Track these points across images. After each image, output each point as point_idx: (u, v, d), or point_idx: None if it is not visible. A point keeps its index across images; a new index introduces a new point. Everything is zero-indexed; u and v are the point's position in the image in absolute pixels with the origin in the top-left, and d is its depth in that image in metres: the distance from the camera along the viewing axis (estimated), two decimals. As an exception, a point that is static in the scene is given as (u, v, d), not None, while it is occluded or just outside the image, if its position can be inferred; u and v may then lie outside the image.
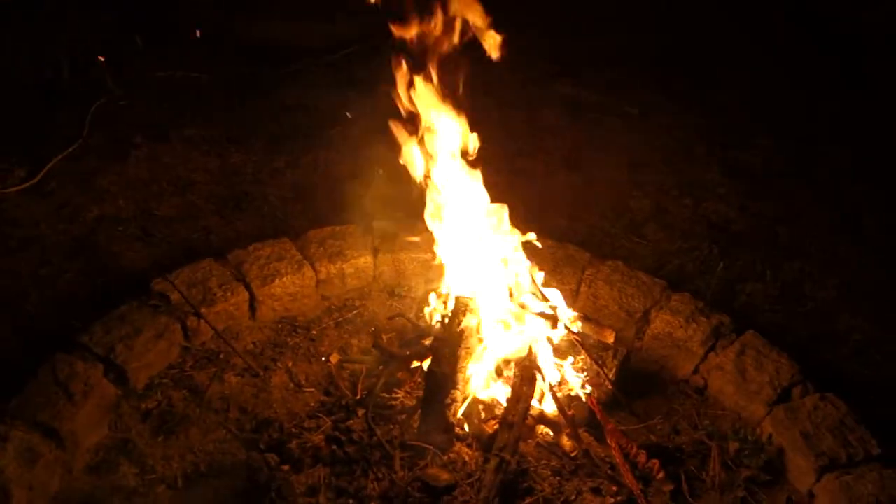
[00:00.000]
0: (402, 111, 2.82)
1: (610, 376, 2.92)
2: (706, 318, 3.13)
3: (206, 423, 2.80)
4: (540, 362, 2.79)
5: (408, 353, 2.88)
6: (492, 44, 2.68)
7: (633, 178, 4.40)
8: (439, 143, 2.83)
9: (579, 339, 2.96)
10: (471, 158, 2.85)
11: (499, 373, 2.83)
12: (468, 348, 2.74)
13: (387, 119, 2.87)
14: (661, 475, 2.67)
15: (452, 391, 2.72)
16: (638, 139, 4.73)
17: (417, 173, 2.88)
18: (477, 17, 2.61)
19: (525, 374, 2.71)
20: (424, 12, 2.63)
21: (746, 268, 3.73)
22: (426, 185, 2.90)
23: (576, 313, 3.05)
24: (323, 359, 3.10)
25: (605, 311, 3.25)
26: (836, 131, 4.86)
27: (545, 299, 2.88)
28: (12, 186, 3.87)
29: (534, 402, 2.77)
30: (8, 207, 3.77)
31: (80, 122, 4.36)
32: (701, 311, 3.17)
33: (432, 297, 3.04)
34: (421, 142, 2.84)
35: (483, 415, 2.78)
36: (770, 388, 2.89)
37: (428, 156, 2.85)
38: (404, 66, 2.73)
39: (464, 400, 2.76)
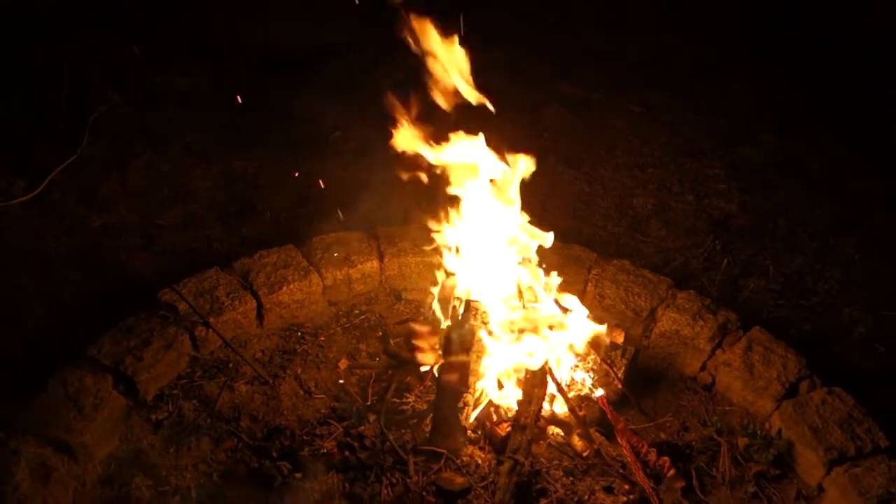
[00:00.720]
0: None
1: (619, 375, 2.94)
2: (713, 315, 3.15)
3: (218, 432, 2.81)
4: (551, 363, 2.79)
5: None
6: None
7: (636, 175, 4.42)
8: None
9: (589, 341, 2.96)
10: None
11: (509, 376, 2.84)
12: (479, 351, 2.75)
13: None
14: (671, 472, 2.68)
15: (464, 394, 2.73)
16: (640, 137, 4.74)
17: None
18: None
19: (536, 375, 2.72)
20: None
21: (749, 263, 3.75)
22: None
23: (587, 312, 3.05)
24: (332, 365, 3.10)
25: (613, 310, 3.26)
26: (835, 127, 4.88)
27: (558, 304, 2.89)
28: (14, 199, 3.86)
29: (545, 403, 2.78)
30: (10, 220, 3.76)
31: (80, 131, 4.35)
32: (707, 308, 3.18)
33: (438, 300, 3.04)
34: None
35: (495, 417, 2.79)
36: (778, 384, 2.90)
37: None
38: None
39: (476, 403, 2.77)
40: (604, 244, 3.80)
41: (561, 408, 2.84)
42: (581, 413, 2.80)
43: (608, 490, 2.63)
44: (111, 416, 2.71)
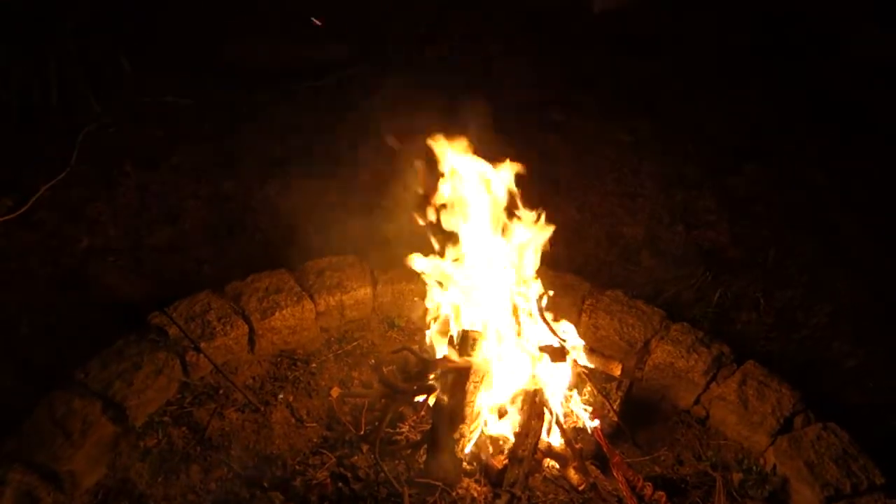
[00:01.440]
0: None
1: (615, 407, 2.93)
2: (707, 348, 3.15)
3: (208, 461, 2.75)
4: (547, 395, 2.78)
5: (414, 387, 2.86)
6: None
7: (625, 204, 4.44)
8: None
9: (586, 372, 2.96)
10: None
11: (506, 407, 2.81)
12: (476, 382, 2.72)
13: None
14: (667, 507, 2.67)
15: (460, 426, 2.70)
16: (629, 166, 4.78)
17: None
18: None
19: (534, 407, 2.70)
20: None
21: (740, 295, 3.77)
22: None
23: (583, 343, 3.04)
24: (324, 393, 3.06)
25: (606, 342, 3.26)
26: (823, 159, 4.95)
27: (554, 332, 2.88)
28: (-1, 216, 3.79)
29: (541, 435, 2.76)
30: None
31: (68, 149, 4.29)
32: (701, 341, 3.19)
33: (436, 329, 3.02)
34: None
35: (491, 449, 2.76)
36: (773, 418, 2.91)
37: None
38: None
39: (471, 434, 2.73)
40: (595, 273, 3.81)
41: (557, 440, 2.82)
42: (577, 446, 2.78)
43: (604, 525, 2.61)
44: (99, 443, 2.64)
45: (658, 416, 3.13)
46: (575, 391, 2.98)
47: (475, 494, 2.62)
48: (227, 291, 3.26)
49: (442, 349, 2.93)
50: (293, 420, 2.96)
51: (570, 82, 5.60)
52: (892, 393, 3.30)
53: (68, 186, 4.08)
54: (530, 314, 2.88)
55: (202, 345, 2.99)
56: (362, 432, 2.86)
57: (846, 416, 2.97)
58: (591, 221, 4.27)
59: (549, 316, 2.93)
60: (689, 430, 3.09)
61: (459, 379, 2.68)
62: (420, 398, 2.92)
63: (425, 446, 2.75)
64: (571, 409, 2.92)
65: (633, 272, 3.89)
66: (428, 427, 2.82)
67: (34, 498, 2.37)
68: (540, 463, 2.78)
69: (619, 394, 2.98)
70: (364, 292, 3.41)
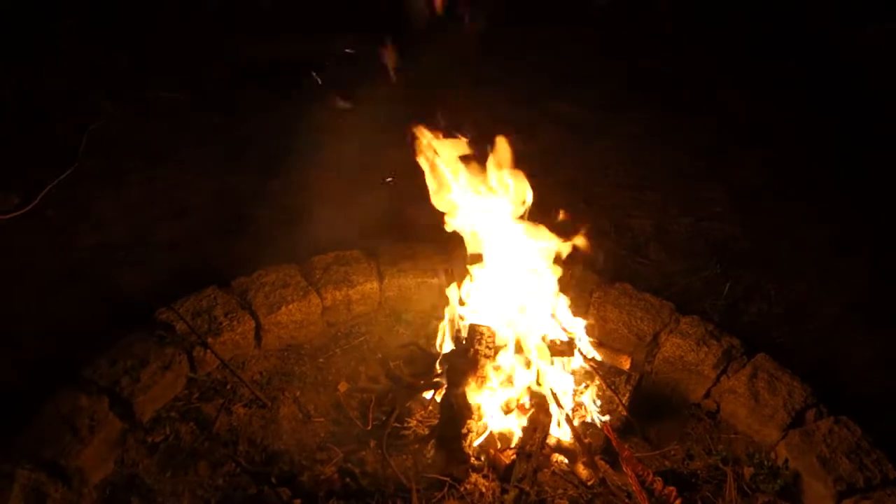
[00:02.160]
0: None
1: (624, 402, 2.90)
2: (717, 341, 3.12)
3: (215, 456, 2.74)
4: (556, 390, 2.76)
5: (421, 382, 2.84)
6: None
7: (633, 196, 4.41)
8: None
9: (595, 366, 2.94)
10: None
11: (514, 402, 2.80)
12: (483, 377, 2.71)
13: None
14: (678, 502, 2.64)
15: (467, 421, 2.69)
16: (637, 158, 4.74)
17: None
18: None
19: (541, 402, 2.68)
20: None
21: (751, 287, 3.74)
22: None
23: (592, 339, 3.03)
24: (332, 388, 3.05)
25: (615, 335, 3.23)
26: (834, 151, 4.91)
27: (562, 326, 2.86)
28: (6, 213, 3.79)
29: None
30: (2, 236, 3.68)
31: (75, 145, 4.29)
32: (711, 334, 3.16)
33: (445, 325, 3.00)
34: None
35: (499, 444, 2.75)
36: (784, 412, 2.88)
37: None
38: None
39: (479, 430, 2.72)
40: (603, 266, 3.77)
41: (565, 435, 2.80)
42: (586, 440, 2.76)
43: (614, 520, 2.60)
44: (107, 440, 2.64)
45: (668, 411, 3.10)
46: (583, 385, 2.95)
47: (483, 489, 2.61)
48: (234, 287, 3.25)
49: (449, 344, 2.92)
50: (300, 415, 2.95)
51: (577, 74, 5.56)
52: (906, 386, 3.26)
53: (75, 183, 4.08)
54: (539, 309, 2.85)
55: (209, 340, 2.98)
56: (370, 427, 2.85)
57: (859, 409, 2.94)
58: (599, 214, 4.23)
59: (560, 308, 2.91)
60: (699, 424, 3.06)
61: (467, 374, 2.66)
62: (428, 393, 2.92)
63: (433, 441, 2.73)
64: (580, 403, 2.90)
65: (641, 265, 3.85)
66: (435, 422, 2.81)
67: (42, 494, 2.36)
68: (548, 458, 2.76)
69: (629, 388, 2.95)
70: (370, 287, 3.39)
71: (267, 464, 2.73)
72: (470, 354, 2.71)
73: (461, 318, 2.89)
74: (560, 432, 2.81)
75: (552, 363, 2.80)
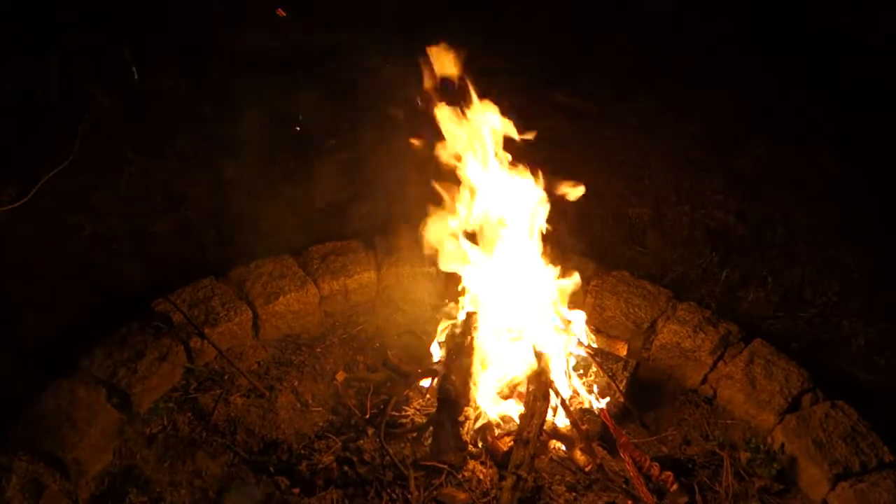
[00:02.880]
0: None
1: (621, 388, 2.91)
2: (713, 328, 3.13)
3: (213, 446, 2.75)
4: (553, 376, 2.76)
5: (419, 370, 2.84)
6: None
7: (632, 185, 4.40)
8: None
9: (592, 353, 2.94)
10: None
11: (511, 389, 2.80)
12: (480, 364, 2.71)
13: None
14: (674, 487, 2.66)
15: (464, 408, 2.69)
16: (635, 147, 4.73)
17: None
18: None
19: (539, 389, 2.68)
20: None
21: (748, 274, 3.74)
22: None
23: (589, 326, 3.03)
24: (329, 377, 3.05)
25: (612, 322, 3.24)
26: (831, 138, 4.90)
27: (560, 315, 2.86)
28: (2, 206, 3.77)
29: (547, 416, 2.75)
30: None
31: (71, 137, 4.26)
32: (708, 321, 3.16)
33: (442, 312, 3.01)
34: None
35: (496, 431, 2.75)
36: (780, 397, 2.89)
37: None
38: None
39: (476, 417, 2.73)
40: (601, 255, 3.77)
41: (563, 421, 2.81)
42: (583, 427, 2.77)
43: (611, 505, 2.60)
44: (105, 431, 2.64)
45: (665, 397, 3.11)
46: (581, 372, 2.96)
47: (481, 476, 2.62)
48: (231, 277, 3.25)
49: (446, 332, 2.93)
50: (298, 405, 2.95)
51: (576, 64, 5.54)
52: (903, 370, 3.27)
53: (71, 175, 4.04)
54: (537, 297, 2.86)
55: (206, 330, 2.98)
56: (368, 416, 2.86)
57: (855, 394, 2.95)
58: (597, 203, 4.22)
59: (556, 299, 2.92)
60: (696, 410, 3.07)
61: (463, 361, 2.67)
62: (425, 382, 2.92)
63: (430, 429, 2.74)
64: (577, 389, 2.90)
65: (639, 253, 3.85)
66: (433, 410, 2.81)
67: (40, 485, 2.37)
68: (546, 444, 2.77)
69: (626, 374, 2.96)
70: (368, 276, 3.39)
71: (265, 453, 2.73)
72: (467, 342, 2.71)
73: (460, 306, 2.90)
74: (557, 419, 2.82)
75: (549, 350, 2.80)
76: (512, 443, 2.66)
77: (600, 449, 2.77)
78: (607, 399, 2.90)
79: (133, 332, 2.93)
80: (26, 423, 2.56)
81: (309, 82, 5.05)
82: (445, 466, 2.59)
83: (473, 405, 2.70)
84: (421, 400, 2.93)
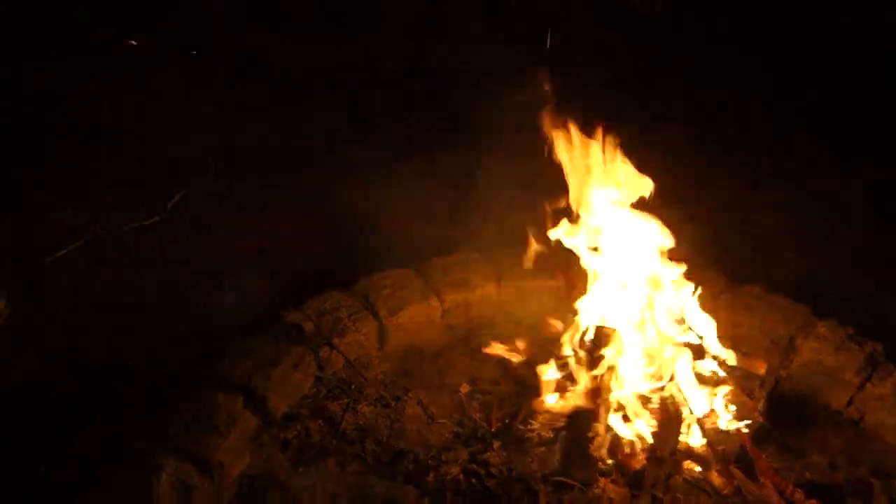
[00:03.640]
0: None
1: (759, 408, 2.77)
2: (858, 346, 2.94)
3: (344, 453, 2.80)
4: (687, 394, 2.66)
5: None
6: None
7: (757, 196, 4.23)
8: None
9: (728, 370, 2.82)
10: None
11: (643, 405, 2.72)
12: (611, 380, 2.65)
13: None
14: (821, 516, 2.49)
15: (594, 424, 2.64)
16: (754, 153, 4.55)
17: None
18: None
19: (672, 406, 2.59)
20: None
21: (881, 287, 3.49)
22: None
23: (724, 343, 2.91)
24: (453, 389, 3.06)
25: (747, 339, 3.10)
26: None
27: (692, 329, 2.76)
28: (143, 221, 4.04)
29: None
30: (145, 239, 3.93)
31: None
32: (851, 338, 2.97)
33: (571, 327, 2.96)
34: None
35: (627, 449, 2.68)
36: (940, 422, 2.67)
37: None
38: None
39: (606, 433, 2.66)
40: (731, 268, 3.61)
41: (697, 441, 2.70)
42: (719, 448, 2.65)
43: (752, 531, 2.47)
44: (243, 435, 2.74)
45: (807, 418, 2.94)
46: (716, 390, 2.84)
47: (612, 495, 2.54)
48: (356, 289, 3.32)
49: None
50: (424, 416, 2.97)
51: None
52: None
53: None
54: (669, 310, 2.77)
55: (335, 341, 3.06)
56: (493, 429, 2.84)
57: None
58: (721, 214, 4.07)
59: (692, 311, 2.82)
60: (841, 433, 2.88)
61: (595, 377, 2.62)
62: (551, 397, 2.88)
63: (558, 444, 2.70)
64: (712, 408, 2.79)
65: (771, 265, 3.67)
66: (560, 425, 2.77)
67: (188, 485, 2.47)
68: (680, 464, 2.67)
69: (763, 393, 2.82)
70: (489, 289, 3.40)
71: (393, 462, 2.76)
72: (595, 357, 2.66)
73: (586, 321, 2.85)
74: (691, 439, 2.71)
75: (683, 367, 2.70)
76: (644, 461, 2.58)
77: (738, 471, 2.64)
78: (744, 419, 2.76)
79: (267, 341, 3.02)
80: (172, 425, 2.68)
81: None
82: (576, 483, 2.54)
83: (603, 421, 2.63)
84: (547, 414, 2.89)
